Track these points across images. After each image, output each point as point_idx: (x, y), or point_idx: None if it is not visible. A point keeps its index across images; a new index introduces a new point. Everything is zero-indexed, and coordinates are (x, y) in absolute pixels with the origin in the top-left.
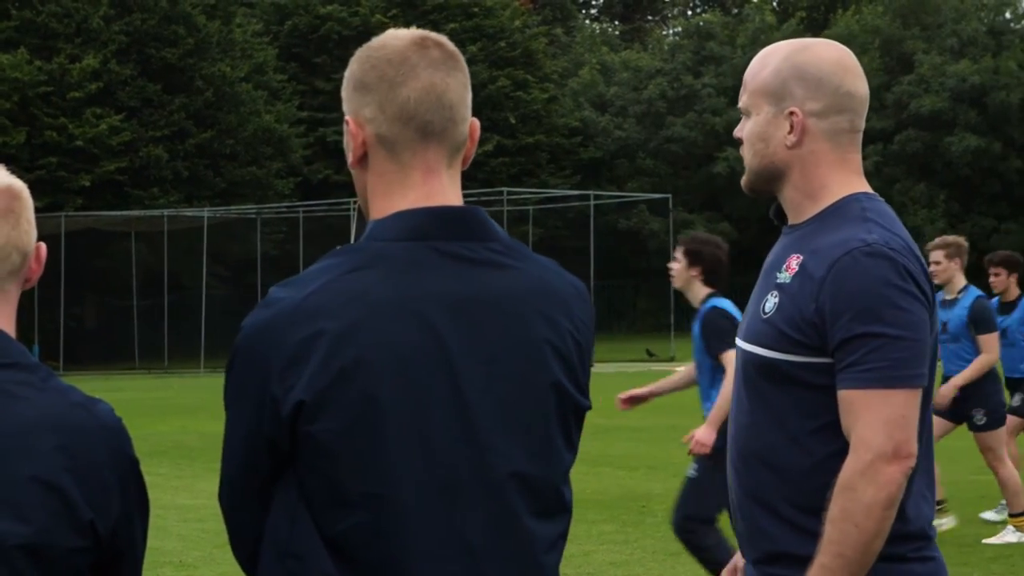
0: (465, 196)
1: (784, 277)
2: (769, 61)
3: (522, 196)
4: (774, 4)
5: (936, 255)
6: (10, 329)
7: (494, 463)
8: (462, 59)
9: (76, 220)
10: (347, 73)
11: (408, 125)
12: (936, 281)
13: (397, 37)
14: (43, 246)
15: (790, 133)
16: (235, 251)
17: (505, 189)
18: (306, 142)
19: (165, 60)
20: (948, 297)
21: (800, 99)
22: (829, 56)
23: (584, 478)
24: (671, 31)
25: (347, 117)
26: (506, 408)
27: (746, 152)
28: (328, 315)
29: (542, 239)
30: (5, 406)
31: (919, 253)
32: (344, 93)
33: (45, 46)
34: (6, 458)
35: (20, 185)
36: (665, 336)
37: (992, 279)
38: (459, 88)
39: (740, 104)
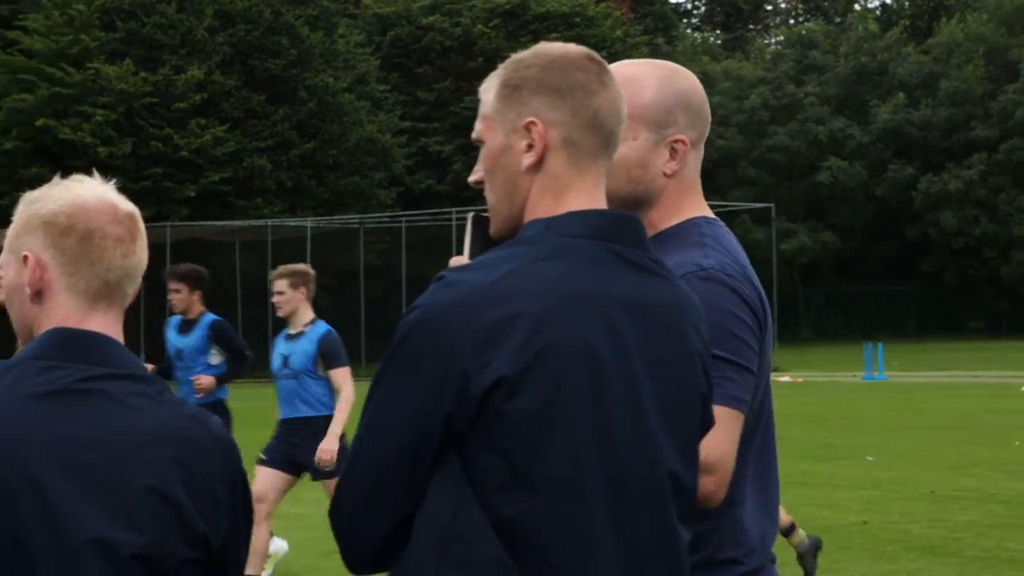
0: None
1: None
2: (644, 84)
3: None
4: (877, 12)
5: (280, 284)
6: (121, 340)
7: (659, 461)
8: None
9: (181, 230)
10: (517, 76)
11: (597, 132)
12: (280, 314)
13: (568, 48)
14: None
15: (672, 161)
16: (338, 261)
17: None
18: (408, 152)
19: (269, 71)
20: (292, 332)
21: (684, 127)
22: (698, 83)
23: None
24: (773, 40)
25: (528, 119)
26: (667, 411)
27: (610, 178)
28: (523, 298)
29: None
30: (122, 417)
31: (755, 281)
32: (507, 97)
33: (150, 57)
34: (123, 468)
35: (136, 211)
36: None
37: (172, 296)
38: (626, 107)
39: None
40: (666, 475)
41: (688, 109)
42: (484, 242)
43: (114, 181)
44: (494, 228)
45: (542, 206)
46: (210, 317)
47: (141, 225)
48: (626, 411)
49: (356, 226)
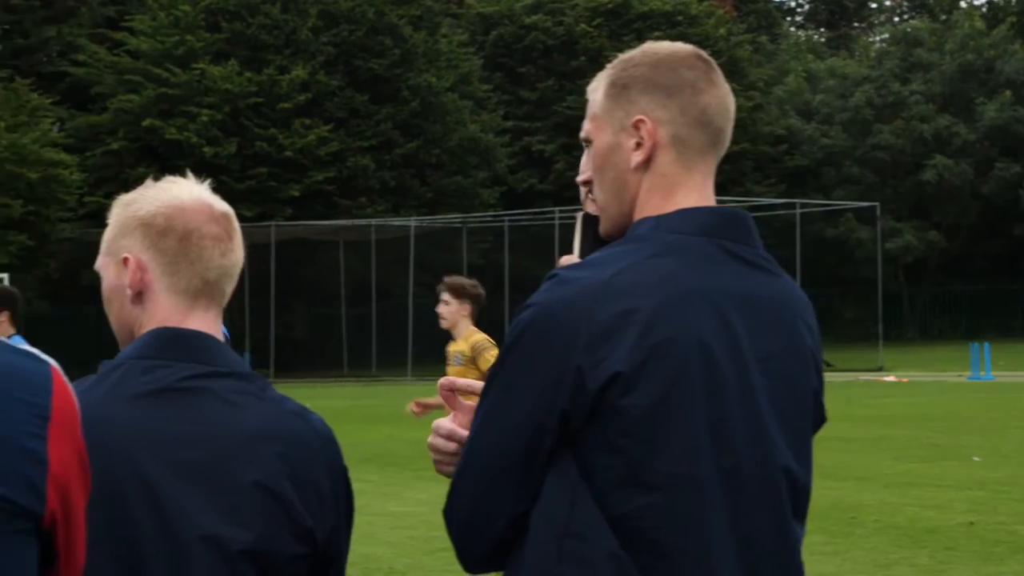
0: None
1: None
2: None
3: (727, 205)
4: (983, 10)
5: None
6: (221, 338)
7: (773, 457)
8: None
9: (285, 230)
10: (625, 75)
11: (705, 130)
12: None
13: (676, 46)
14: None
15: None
16: (441, 260)
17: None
18: (511, 151)
19: (372, 71)
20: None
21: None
22: None
23: None
24: (878, 38)
25: (636, 117)
26: (781, 407)
27: None
28: (638, 294)
29: None
30: (228, 414)
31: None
32: (616, 95)
33: (255, 58)
34: (230, 465)
35: (231, 210)
36: (873, 345)
37: None
38: (734, 104)
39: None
40: (780, 471)
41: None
42: (594, 241)
43: (208, 181)
44: (603, 227)
45: (651, 204)
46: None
47: (236, 224)
48: (740, 407)
49: (459, 225)
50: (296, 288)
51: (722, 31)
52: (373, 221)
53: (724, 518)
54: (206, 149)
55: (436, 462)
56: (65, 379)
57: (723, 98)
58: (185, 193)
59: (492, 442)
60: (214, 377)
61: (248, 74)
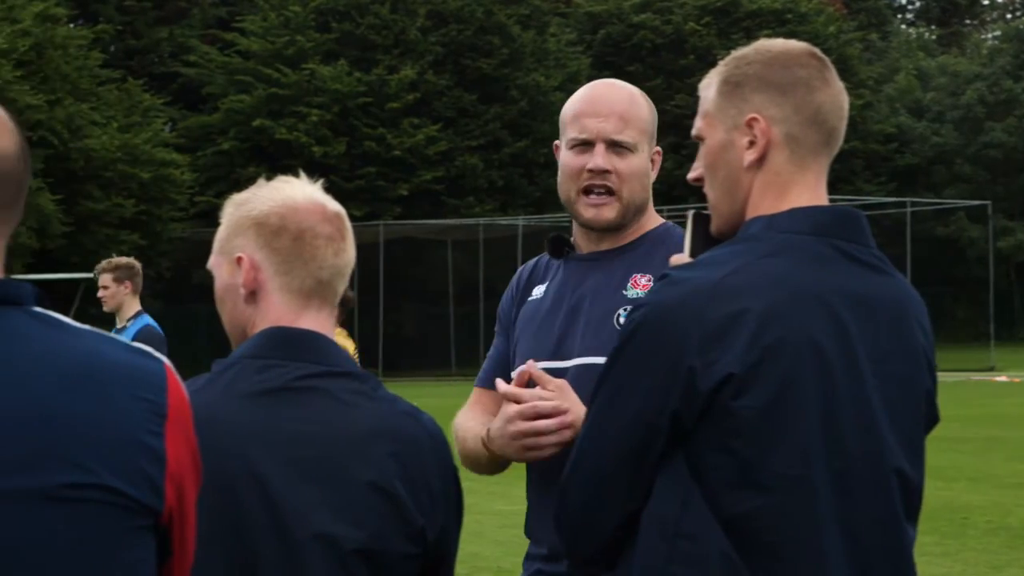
0: None
1: (635, 292)
2: (641, 103)
3: (837, 204)
4: None
5: (104, 279)
6: (333, 338)
7: (884, 457)
8: None
9: (394, 229)
10: (738, 73)
11: (819, 129)
12: (105, 308)
13: (789, 44)
14: None
15: (653, 170)
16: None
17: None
18: None
19: (481, 70)
20: (119, 326)
21: (654, 142)
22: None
23: None
24: (990, 35)
25: (750, 115)
26: (893, 407)
27: (627, 186)
28: (750, 294)
29: None
30: (341, 414)
31: None
32: (729, 93)
33: (364, 58)
34: (344, 464)
35: (343, 210)
36: (984, 345)
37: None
38: (848, 102)
39: (621, 136)
40: (892, 472)
41: (655, 126)
42: (705, 240)
43: (320, 181)
44: (715, 225)
45: (764, 203)
46: None
47: (348, 224)
48: (852, 407)
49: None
50: (404, 287)
51: (832, 29)
52: (481, 220)
53: (835, 520)
54: (315, 149)
55: (530, 447)
56: (178, 376)
57: (837, 96)
58: (298, 193)
59: (603, 442)
60: (327, 376)
61: (357, 74)
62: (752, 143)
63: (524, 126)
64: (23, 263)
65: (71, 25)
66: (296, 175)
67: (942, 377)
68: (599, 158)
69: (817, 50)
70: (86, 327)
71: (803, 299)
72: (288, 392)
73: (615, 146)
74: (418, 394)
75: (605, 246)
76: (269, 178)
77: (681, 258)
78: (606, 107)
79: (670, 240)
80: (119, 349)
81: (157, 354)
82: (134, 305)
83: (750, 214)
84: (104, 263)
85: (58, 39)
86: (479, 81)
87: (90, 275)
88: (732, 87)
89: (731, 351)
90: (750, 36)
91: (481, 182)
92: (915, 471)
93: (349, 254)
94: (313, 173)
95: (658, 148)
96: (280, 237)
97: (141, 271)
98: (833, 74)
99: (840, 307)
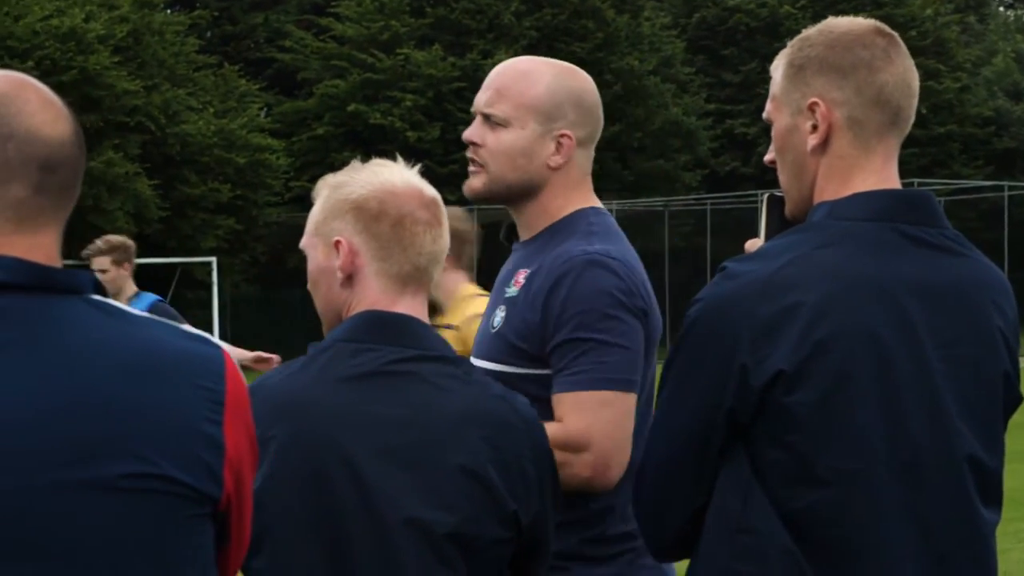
0: None
1: (512, 291)
2: (539, 79)
3: (933, 187)
4: None
5: (101, 262)
6: (428, 322)
7: (955, 445)
8: None
9: (487, 213)
10: (801, 56)
11: (883, 110)
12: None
13: (855, 23)
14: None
15: (556, 154)
16: (643, 244)
17: (916, 180)
18: (713, 134)
19: (575, 54)
20: None
21: (572, 123)
22: (592, 85)
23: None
24: None
25: (811, 99)
26: (964, 393)
27: (495, 161)
28: (803, 288)
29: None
30: (435, 398)
31: (639, 267)
32: (793, 76)
33: (458, 43)
34: (436, 449)
35: (439, 195)
36: None
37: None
38: (917, 79)
39: (491, 109)
40: (965, 460)
41: (579, 107)
42: (780, 223)
43: (418, 167)
44: (788, 209)
45: (829, 188)
46: None
47: (444, 209)
48: (917, 397)
49: (661, 209)
50: (498, 272)
51: (929, 11)
52: None
53: (903, 511)
54: (409, 134)
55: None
56: (235, 362)
57: (902, 75)
58: (396, 177)
59: (666, 438)
60: (421, 361)
61: (451, 59)
62: (815, 127)
63: (618, 110)
64: None
65: (168, 11)
66: (392, 160)
67: None
68: (469, 129)
69: (884, 27)
70: (144, 315)
71: (860, 289)
72: (382, 376)
73: (487, 119)
74: None
75: (524, 237)
76: (364, 161)
77: (756, 242)
78: (490, 80)
79: (567, 230)
80: (177, 337)
81: (214, 340)
82: (131, 285)
83: (817, 198)
84: (99, 243)
85: (155, 25)
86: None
87: (187, 259)
88: (796, 70)
89: (782, 347)
90: None
91: None
92: (991, 456)
93: (445, 240)
94: (407, 158)
95: (566, 132)
96: (379, 222)
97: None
98: (900, 51)
99: (902, 294)
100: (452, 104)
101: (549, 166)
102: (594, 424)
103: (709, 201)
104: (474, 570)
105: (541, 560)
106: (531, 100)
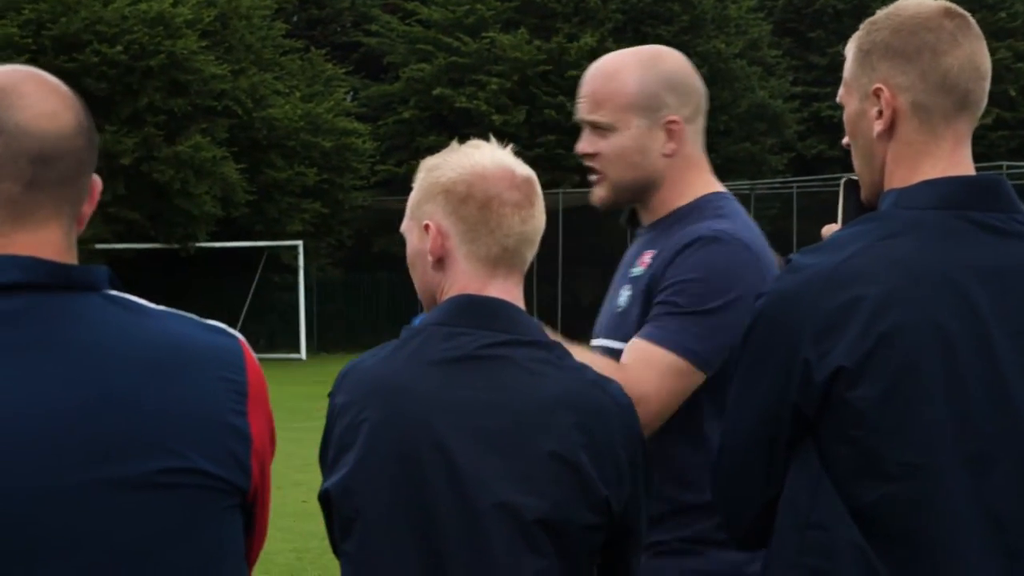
0: None
1: (638, 271)
2: (628, 76)
3: (1022, 170)
4: None
5: None
6: (522, 305)
7: None
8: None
9: (573, 197)
10: (868, 40)
11: (949, 95)
12: None
13: (923, 5)
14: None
15: (669, 141)
16: None
17: (1004, 163)
18: (800, 117)
19: (661, 37)
20: None
21: (674, 107)
22: (681, 59)
23: None
24: None
25: (876, 85)
26: None
27: (612, 167)
28: (866, 280)
29: None
30: (527, 383)
31: (766, 252)
32: (860, 61)
33: (544, 26)
34: (528, 434)
35: (533, 175)
36: None
37: None
38: (988, 60)
39: (592, 116)
40: None
41: (675, 88)
42: (857, 208)
43: (511, 146)
44: (863, 194)
45: (897, 175)
46: None
47: (538, 189)
48: (985, 389)
49: (747, 192)
50: (583, 255)
51: None
52: None
53: (972, 505)
54: (495, 117)
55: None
56: (251, 351)
57: (970, 57)
58: (487, 159)
59: (737, 431)
60: (513, 345)
61: (537, 42)
62: (880, 113)
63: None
64: (207, 231)
65: None
66: (478, 141)
67: None
68: (580, 142)
69: (955, 8)
70: (162, 308)
71: (926, 280)
72: (474, 360)
73: (593, 127)
74: None
75: (646, 221)
76: (462, 141)
77: (833, 227)
78: (583, 88)
79: (694, 214)
80: (196, 328)
81: (231, 330)
82: None
83: (887, 185)
84: None
85: (242, 9)
86: None
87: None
88: (863, 55)
89: (843, 342)
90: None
91: None
92: None
93: (538, 220)
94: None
95: (672, 117)
96: (467, 205)
97: None
98: (970, 33)
99: (970, 283)
100: (537, 88)
101: (665, 155)
102: (653, 382)
103: (795, 184)
104: (563, 556)
105: (634, 547)
106: (627, 99)
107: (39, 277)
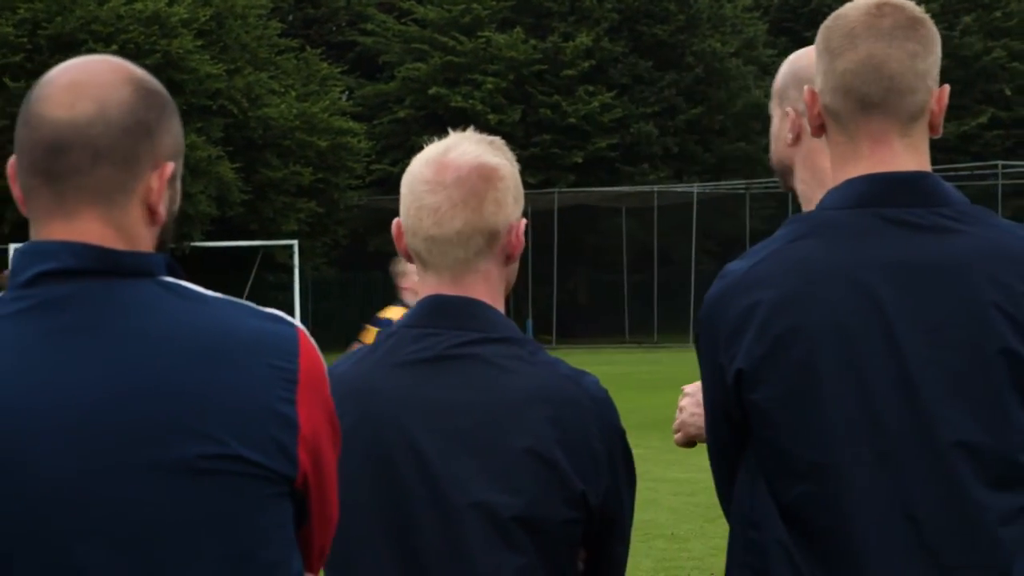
0: (956, 169)
1: None
2: (781, 68)
3: (1018, 170)
4: None
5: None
6: (499, 305)
7: (938, 432)
8: (925, 26)
9: (568, 196)
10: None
11: (847, 97)
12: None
13: (857, 6)
14: (521, 223)
15: (789, 132)
16: (724, 227)
17: (1000, 163)
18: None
19: (656, 37)
20: None
21: (795, 100)
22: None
23: None
24: None
25: (807, 87)
26: (952, 376)
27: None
28: (765, 284)
29: None
30: (498, 379)
31: None
32: (813, 61)
33: (540, 25)
34: (500, 431)
35: (493, 164)
36: None
37: None
38: (904, 57)
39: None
40: (952, 445)
41: (801, 82)
42: None
43: (468, 133)
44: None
45: (831, 177)
46: None
47: (489, 183)
48: (891, 385)
49: (742, 191)
50: (578, 254)
51: None
52: (656, 187)
53: (884, 501)
54: (491, 116)
55: (677, 425)
56: (311, 340)
57: (870, 58)
58: (418, 160)
59: (707, 430)
60: (484, 343)
61: (532, 41)
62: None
63: (699, 92)
64: (203, 230)
65: None
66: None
67: None
68: None
69: (887, 4)
70: (217, 295)
71: (828, 281)
72: (444, 360)
73: None
74: (591, 361)
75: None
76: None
77: None
78: None
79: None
80: (250, 316)
81: (289, 319)
82: None
83: (830, 186)
84: None
85: (238, 9)
86: (654, 47)
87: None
88: (814, 56)
89: (743, 346)
90: (929, 0)
91: (655, 149)
92: (992, 437)
93: (479, 216)
94: None
95: (791, 109)
96: (403, 207)
97: None
98: (881, 32)
99: (877, 281)
100: (533, 87)
101: (788, 144)
102: None
103: None
104: (543, 552)
105: (617, 538)
106: (775, 88)
107: (85, 263)
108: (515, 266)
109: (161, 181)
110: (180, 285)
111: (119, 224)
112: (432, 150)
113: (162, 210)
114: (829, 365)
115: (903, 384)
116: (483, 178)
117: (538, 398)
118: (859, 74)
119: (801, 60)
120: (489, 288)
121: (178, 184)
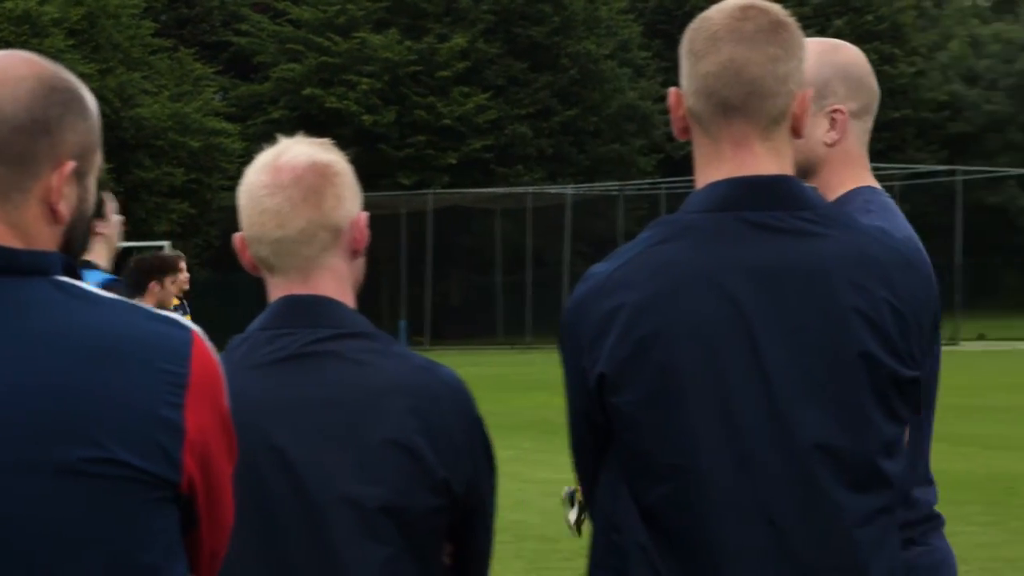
0: None
1: None
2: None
3: (887, 172)
4: None
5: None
6: (349, 301)
7: (797, 434)
8: (788, 30)
9: (443, 197)
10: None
11: (709, 100)
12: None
13: (722, 9)
14: (363, 216)
15: (831, 130)
16: (597, 228)
17: (870, 165)
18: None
19: (531, 38)
20: None
21: (843, 98)
22: (861, 57)
23: (949, 458)
24: None
25: (674, 89)
26: (811, 378)
27: None
28: (630, 288)
29: (909, 215)
30: (355, 374)
31: (920, 246)
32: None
33: (415, 26)
34: (361, 424)
35: (327, 161)
36: None
37: None
38: (764, 61)
39: None
40: (811, 448)
41: (848, 80)
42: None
43: (325, 144)
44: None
45: (697, 179)
46: None
47: (325, 179)
48: (751, 388)
49: (616, 193)
50: (452, 256)
51: None
52: (530, 189)
53: (743, 503)
54: (365, 117)
55: None
56: (207, 344)
57: (731, 62)
58: (255, 165)
59: (570, 432)
60: (338, 339)
61: (408, 42)
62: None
63: (574, 94)
64: None
65: None
66: (345, 144)
67: (989, 346)
68: None
69: (752, 7)
70: (111, 296)
71: (690, 284)
72: (299, 359)
73: None
74: (464, 362)
75: None
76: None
77: None
78: None
79: (843, 208)
80: (144, 318)
81: (185, 322)
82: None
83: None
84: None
85: (110, 8)
86: (529, 49)
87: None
88: (681, 56)
89: (605, 349)
90: (802, 3)
91: (530, 151)
92: (855, 439)
93: (320, 214)
94: (363, 142)
95: (838, 107)
96: (244, 212)
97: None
98: (743, 35)
99: (737, 285)
100: (408, 88)
101: (825, 143)
102: None
103: (664, 186)
104: (409, 543)
105: (481, 527)
106: (808, 80)
107: None
108: (362, 261)
109: (60, 179)
110: (75, 285)
111: (15, 222)
112: (264, 157)
113: (63, 209)
114: (690, 368)
115: (762, 387)
116: (320, 175)
117: (396, 390)
118: (720, 77)
119: (841, 55)
120: (339, 285)
121: (89, 182)
